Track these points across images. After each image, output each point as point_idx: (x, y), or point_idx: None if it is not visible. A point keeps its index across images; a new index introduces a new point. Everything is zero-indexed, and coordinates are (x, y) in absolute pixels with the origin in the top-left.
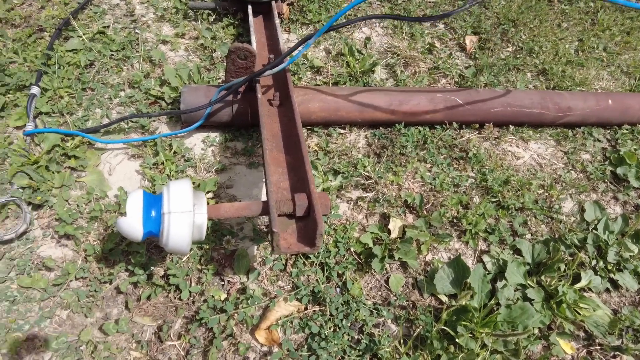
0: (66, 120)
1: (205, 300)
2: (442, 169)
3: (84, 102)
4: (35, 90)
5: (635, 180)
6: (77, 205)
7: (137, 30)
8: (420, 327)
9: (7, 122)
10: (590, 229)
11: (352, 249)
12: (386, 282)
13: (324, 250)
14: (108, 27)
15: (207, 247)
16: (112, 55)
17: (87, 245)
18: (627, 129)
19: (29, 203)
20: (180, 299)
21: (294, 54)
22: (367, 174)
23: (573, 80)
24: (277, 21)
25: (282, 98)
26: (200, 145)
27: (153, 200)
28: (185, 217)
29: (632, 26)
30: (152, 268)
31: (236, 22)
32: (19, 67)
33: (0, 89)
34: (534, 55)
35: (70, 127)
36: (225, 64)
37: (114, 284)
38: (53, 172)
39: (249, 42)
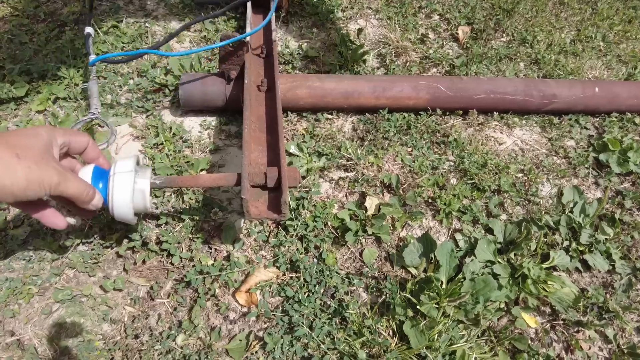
0: (80, 104)
1: (194, 265)
2: (422, 152)
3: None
4: (89, 30)
5: (616, 166)
6: None
7: (147, 24)
8: (387, 294)
9: (30, 106)
10: (565, 211)
11: (329, 224)
12: (360, 254)
13: (302, 224)
14: (121, 21)
15: (198, 218)
16: (124, 47)
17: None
18: (615, 117)
19: None
20: (171, 263)
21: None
22: (349, 156)
23: (565, 69)
24: (272, 15)
25: (269, 84)
26: (198, 128)
27: (103, 172)
28: (127, 176)
29: (634, 15)
30: (145, 234)
31: (237, 16)
32: (42, 59)
33: (25, 78)
34: (527, 44)
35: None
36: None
37: (114, 248)
38: None
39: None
